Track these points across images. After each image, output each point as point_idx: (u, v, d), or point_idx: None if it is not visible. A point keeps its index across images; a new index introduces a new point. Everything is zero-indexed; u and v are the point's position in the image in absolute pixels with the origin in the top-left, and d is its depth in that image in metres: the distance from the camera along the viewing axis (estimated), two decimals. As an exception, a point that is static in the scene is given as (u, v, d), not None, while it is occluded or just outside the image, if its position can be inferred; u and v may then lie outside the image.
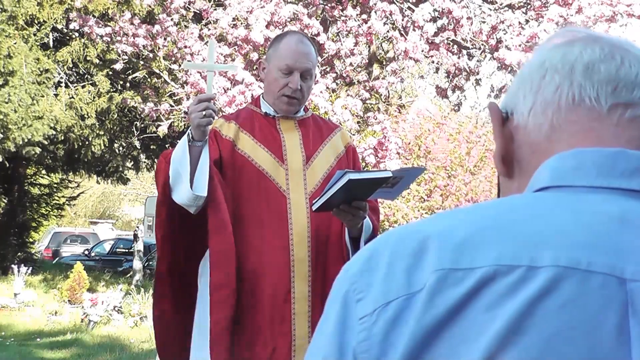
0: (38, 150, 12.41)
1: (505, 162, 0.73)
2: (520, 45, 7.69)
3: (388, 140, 7.88)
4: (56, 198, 18.90)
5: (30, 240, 18.22)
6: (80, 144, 13.88)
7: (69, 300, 10.32)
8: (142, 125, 13.52)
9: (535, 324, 0.55)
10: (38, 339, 8.00)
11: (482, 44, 8.42)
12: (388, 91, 9.09)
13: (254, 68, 7.73)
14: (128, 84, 13.71)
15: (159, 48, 8.89)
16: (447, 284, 0.58)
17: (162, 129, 9.54)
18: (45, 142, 12.49)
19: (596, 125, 0.67)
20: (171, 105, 9.54)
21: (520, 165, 0.72)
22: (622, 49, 0.70)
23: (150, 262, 17.22)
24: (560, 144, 0.68)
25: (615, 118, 0.67)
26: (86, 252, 20.84)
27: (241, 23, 7.96)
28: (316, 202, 2.18)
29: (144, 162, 17.23)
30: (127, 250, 19.92)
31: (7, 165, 14.92)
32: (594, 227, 0.60)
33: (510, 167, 0.73)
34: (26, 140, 11.44)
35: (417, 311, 0.58)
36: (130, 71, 11.61)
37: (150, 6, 9.35)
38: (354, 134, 8.12)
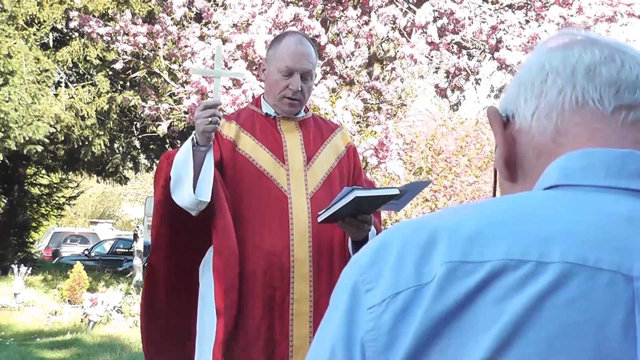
0: (39, 148, 12.40)
1: (509, 166, 0.74)
2: (520, 46, 7.68)
3: (389, 140, 7.88)
4: (56, 198, 18.89)
5: (30, 240, 18.22)
6: (80, 144, 13.88)
7: (69, 300, 10.32)
8: (142, 125, 13.53)
9: (543, 318, 0.56)
10: (38, 339, 8.00)
11: (482, 44, 8.41)
12: (389, 91, 9.08)
13: (254, 68, 7.72)
14: (128, 84, 13.70)
15: (159, 47, 8.88)
16: (456, 276, 0.59)
17: (162, 129, 9.54)
18: (46, 141, 12.48)
19: (601, 126, 0.68)
20: (171, 105, 9.53)
21: (523, 169, 0.73)
22: (621, 51, 0.71)
23: (150, 262, 17.18)
24: (566, 146, 0.68)
25: (620, 120, 0.67)
26: (86, 252, 20.84)
27: (242, 26, 7.95)
28: (322, 214, 2.18)
29: (144, 162, 17.23)
30: (127, 250, 19.93)
31: (8, 164, 14.91)
32: (602, 225, 0.60)
33: (513, 171, 0.74)
34: (27, 138, 11.44)
35: (426, 302, 0.58)
36: (130, 71, 11.61)
37: (150, 6, 9.33)
38: (354, 134, 8.11)
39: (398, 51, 8.24)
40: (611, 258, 0.58)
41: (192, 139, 2.22)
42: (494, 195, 0.77)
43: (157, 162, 2.51)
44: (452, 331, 0.57)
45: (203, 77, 7.73)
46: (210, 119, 2.18)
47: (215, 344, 2.20)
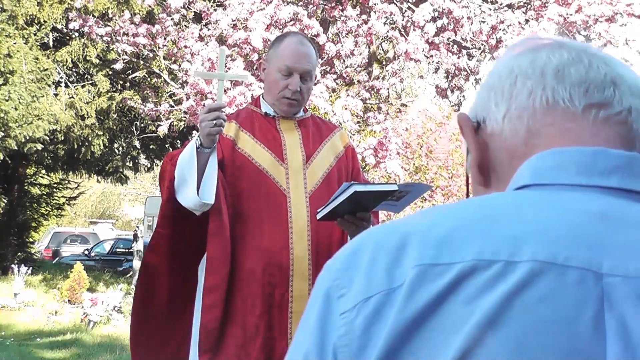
0: (40, 146, 12.40)
1: (482, 171, 0.74)
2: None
3: (389, 140, 7.88)
4: (56, 198, 18.89)
5: (30, 240, 18.21)
6: (80, 143, 13.88)
7: (69, 300, 10.32)
8: (142, 125, 13.53)
9: (513, 317, 0.56)
10: (38, 339, 8.00)
11: (482, 44, 8.41)
12: (388, 91, 9.08)
13: (254, 68, 7.72)
14: (128, 84, 13.71)
15: (158, 48, 8.88)
16: (426, 279, 0.59)
17: (162, 129, 9.54)
18: (47, 138, 12.48)
19: (573, 125, 0.68)
20: (171, 105, 9.53)
21: (496, 173, 0.73)
22: (588, 52, 0.72)
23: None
24: (539, 147, 0.69)
25: (591, 118, 0.68)
26: (86, 252, 20.85)
27: (241, 24, 7.95)
28: (320, 211, 2.18)
29: (144, 162, 17.23)
30: (127, 250, 19.94)
31: (8, 163, 14.91)
32: (573, 223, 0.61)
33: (487, 175, 0.74)
34: (27, 137, 11.44)
35: (397, 306, 0.58)
36: (130, 71, 11.61)
37: (150, 6, 9.33)
38: (354, 134, 8.11)
39: (397, 50, 8.24)
40: (581, 255, 0.58)
41: (196, 141, 2.22)
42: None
43: (157, 162, 2.51)
44: (424, 333, 0.57)
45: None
46: (215, 121, 2.19)
47: (198, 343, 2.21)
